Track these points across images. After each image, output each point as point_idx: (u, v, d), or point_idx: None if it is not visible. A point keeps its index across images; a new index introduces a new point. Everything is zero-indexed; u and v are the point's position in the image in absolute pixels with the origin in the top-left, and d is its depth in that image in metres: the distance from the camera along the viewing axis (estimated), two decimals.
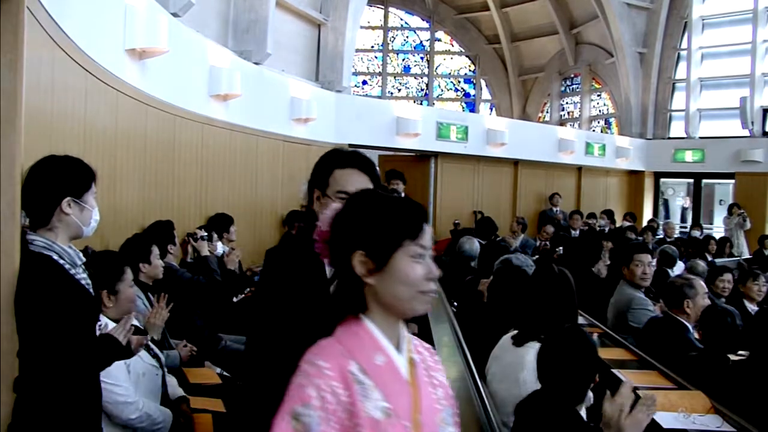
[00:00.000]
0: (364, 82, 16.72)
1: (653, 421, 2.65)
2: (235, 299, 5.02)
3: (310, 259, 1.81)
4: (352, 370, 1.22)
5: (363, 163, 1.92)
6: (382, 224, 1.29)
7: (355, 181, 1.87)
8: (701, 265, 6.09)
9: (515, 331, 2.72)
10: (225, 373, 3.77)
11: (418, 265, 1.28)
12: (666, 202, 14.15)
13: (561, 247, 7.13)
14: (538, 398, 2.21)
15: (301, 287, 1.83)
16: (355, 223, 1.30)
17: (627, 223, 10.54)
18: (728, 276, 5.01)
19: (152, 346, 2.83)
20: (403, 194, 7.31)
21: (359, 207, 1.33)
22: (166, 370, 2.93)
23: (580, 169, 12.52)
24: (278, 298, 1.85)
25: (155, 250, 3.62)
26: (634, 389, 2.77)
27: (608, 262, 5.94)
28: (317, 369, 1.21)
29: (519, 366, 2.53)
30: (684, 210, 13.60)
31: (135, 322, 2.79)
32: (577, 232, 9.95)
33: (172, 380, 3.00)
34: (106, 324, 2.35)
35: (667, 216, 13.67)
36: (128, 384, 2.52)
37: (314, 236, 1.40)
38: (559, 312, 2.59)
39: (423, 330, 4.12)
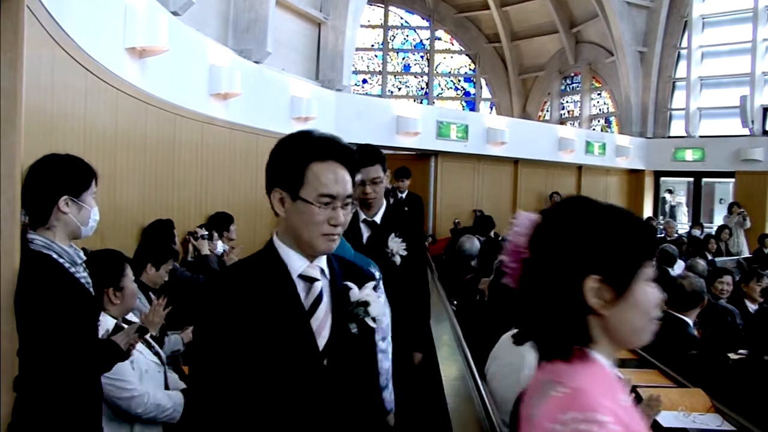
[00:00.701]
0: (364, 81, 16.71)
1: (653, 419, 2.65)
2: None
3: (279, 283, 1.46)
4: (625, 420, 1.01)
5: (344, 154, 1.48)
6: (625, 243, 1.08)
7: (341, 178, 1.45)
8: (701, 264, 6.09)
9: (515, 330, 2.72)
10: None
11: (652, 288, 1.10)
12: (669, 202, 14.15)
13: None
14: None
15: (268, 322, 1.40)
16: (588, 241, 1.07)
17: None
18: (728, 278, 4.99)
19: (153, 343, 2.83)
20: (406, 192, 7.34)
21: (586, 221, 1.09)
22: (167, 367, 2.93)
23: (580, 168, 12.52)
24: (236, 338, 1.38)
25: (170, 264, 3.63)
26: (634, 388, 2.78)
27: None
28: (604, 428, 0.98)
29: (519, 365, 2.53)
30: (672, 207, 13.56)
31: (135, 319, 2.80)
32: None
33: (173, 375, 3.01)
34: (108, 330, 2.35)
35: (672, 215, 13.66)
36: (134, 378, 2.53)
37: (504, 255, 1.16)
38: None
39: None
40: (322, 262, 1.51)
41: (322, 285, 1.49)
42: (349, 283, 1.53)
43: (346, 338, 1.48)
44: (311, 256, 1.48)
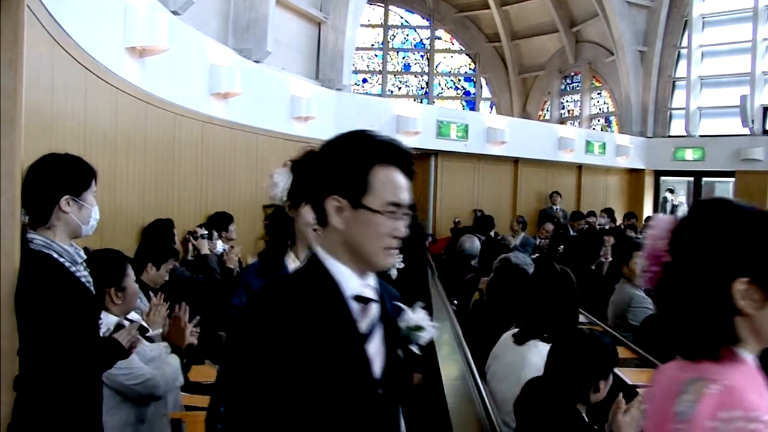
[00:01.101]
0: (365, 80, 16.70)
1: None
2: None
3: (332, 305, 1.28)
4: None
5: (405, 158, 1.33)
6: None
7: (404, 185, 1.31)
8: None
9: (516, 329, 2.72)
10: None
11: None
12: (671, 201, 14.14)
13: (562, 246, 7.14)
14: (541, 387, 2.21)
15: (322, 351, 1.22)
16: (736, 244, 1.07)
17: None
18: None
19: (153, 337, 2.84)
20: None
21: (732, 224, 1.10)
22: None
23: (580, 167, 12.52)
24: (297, 378, 1.20)
25: (171, 263, 3.64)
26: (634, 387, 2.78)
27: (610, 258, 5.94)
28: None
29: (520, 364, 2.53)
30: (674, 207, 13.55)
31: (137, 317, 2.80)
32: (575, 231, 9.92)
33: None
34: (109, 328, 2.35)
35: (672, 215, 13.62)
36: (142, 364, 2.56)
37: (644, 257, 1.17)
38: (560, 311, 2.59)
39: None
40: (372, 280, 1.35)
41: (376, 307, 1.33)
42: (401, 305, 1.42)
43: (398, 364, 1.37)
44: (363, 272, 1.32)
